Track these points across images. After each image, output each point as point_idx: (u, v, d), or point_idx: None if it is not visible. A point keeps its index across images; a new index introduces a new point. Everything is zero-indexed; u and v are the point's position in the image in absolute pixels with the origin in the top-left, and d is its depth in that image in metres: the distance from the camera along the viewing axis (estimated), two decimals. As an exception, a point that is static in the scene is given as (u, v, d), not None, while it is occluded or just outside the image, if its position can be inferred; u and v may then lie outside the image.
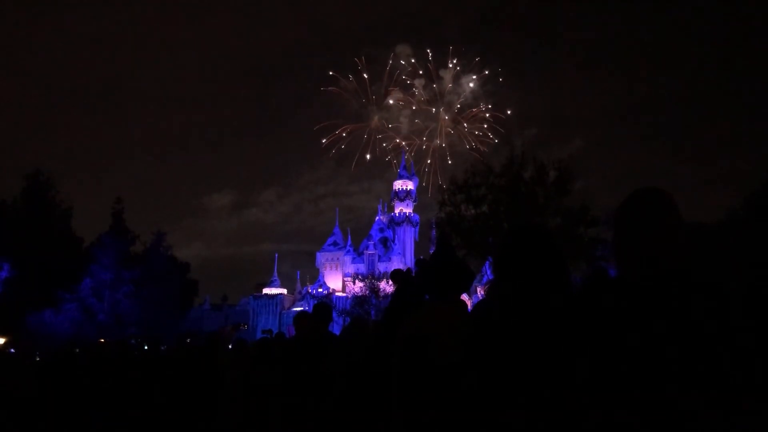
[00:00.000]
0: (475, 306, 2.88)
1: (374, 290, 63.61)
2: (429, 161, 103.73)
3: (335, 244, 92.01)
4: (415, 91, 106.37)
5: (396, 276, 4.70)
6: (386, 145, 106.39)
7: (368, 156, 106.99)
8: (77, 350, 11.54)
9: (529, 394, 1.98)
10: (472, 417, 2.12)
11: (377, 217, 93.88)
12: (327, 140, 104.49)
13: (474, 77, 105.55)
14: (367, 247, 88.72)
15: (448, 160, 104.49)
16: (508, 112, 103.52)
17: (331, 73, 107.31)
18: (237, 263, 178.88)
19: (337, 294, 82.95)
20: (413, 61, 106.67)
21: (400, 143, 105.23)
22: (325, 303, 6.74)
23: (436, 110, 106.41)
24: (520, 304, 2.16)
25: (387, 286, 60.73)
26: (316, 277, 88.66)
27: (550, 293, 2.16)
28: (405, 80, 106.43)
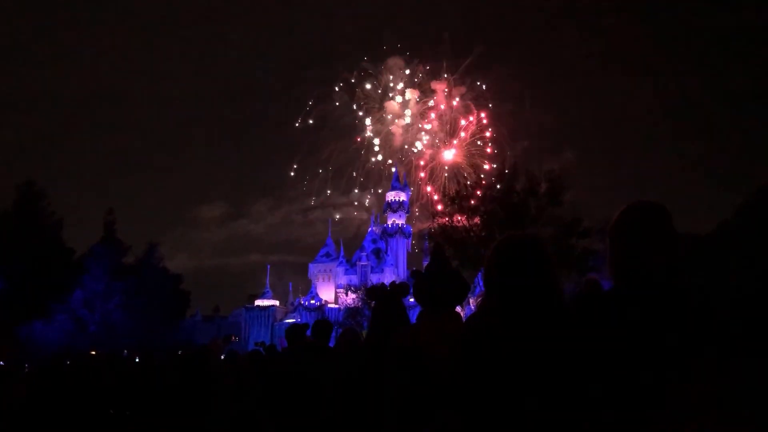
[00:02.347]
0: (467, 319, 2.86)
1: (367, 302, 63.27)
2: (422, 173, 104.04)
3: (328, 255, 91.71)
4: (407, 103, 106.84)
5: (372, 293, 4.64)
6: (378, 157, 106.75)
7: (360, 168, 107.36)
8: (67, 362, 11.43)
9: (518, 406, 1.97)
10: (466, 425, 2.11)
11: (370, 229, 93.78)
12: (308, 182, 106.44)
13: (466, 91, 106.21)
14: (359, 259, 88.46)
15: (441, 172, 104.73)
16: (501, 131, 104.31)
17: (310, 100, 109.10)
18: (225, 274, 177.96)
19: (329, 306, 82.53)
20: (406, 73, 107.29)
21: (392, 155, 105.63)
22: (327, 320, 6.75)
23: (428, 122, 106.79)
24: (509, 318, 2.14)
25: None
26: (308, 289, 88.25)
27: (540, 305, 2.14)
28: (398, 93, 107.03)
